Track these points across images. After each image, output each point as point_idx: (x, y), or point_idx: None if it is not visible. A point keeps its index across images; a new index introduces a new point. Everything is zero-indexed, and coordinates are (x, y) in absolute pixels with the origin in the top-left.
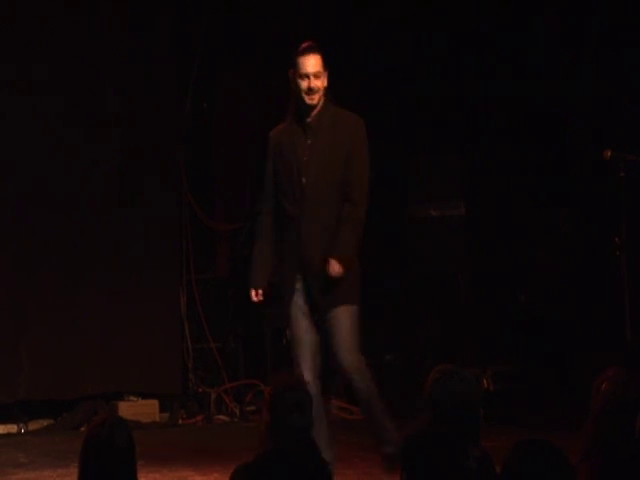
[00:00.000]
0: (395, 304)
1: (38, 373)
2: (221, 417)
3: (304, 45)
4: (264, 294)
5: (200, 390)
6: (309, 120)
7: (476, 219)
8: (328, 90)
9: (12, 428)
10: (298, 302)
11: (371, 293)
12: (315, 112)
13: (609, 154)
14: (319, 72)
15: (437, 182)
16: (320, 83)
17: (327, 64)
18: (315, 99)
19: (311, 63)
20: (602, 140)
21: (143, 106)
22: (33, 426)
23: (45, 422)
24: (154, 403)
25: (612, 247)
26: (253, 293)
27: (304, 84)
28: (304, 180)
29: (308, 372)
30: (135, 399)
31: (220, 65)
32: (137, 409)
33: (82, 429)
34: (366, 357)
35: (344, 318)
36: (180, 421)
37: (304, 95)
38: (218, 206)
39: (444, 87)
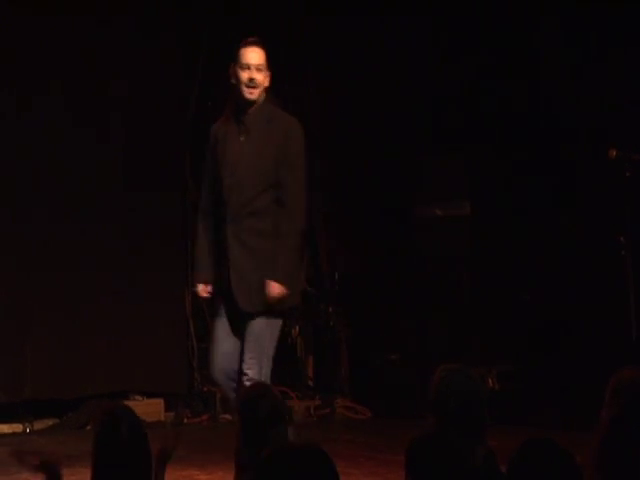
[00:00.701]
0: (400, 303)
1: (43, 372)
2: (226, 416)
3: (249, 39)
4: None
5: (205, 389)
6: (244, 117)
7: (481, 219)
8: (270, 91)
9: (17, 427)
10: (226, 303)
11: (375, 293)
12: (252, 109)
13: (614, 154)
14: (261, 65)
15: (442, 182)
16: (262, 77)
17: (271, 64)
18: (255, 94)
19: (254, 55)
20: (607, 139)
21: (147, 106)
22: (38, 425)
23: (50, 421)
24: (159, 402)
25: (617, 246)
26: (201, 288)
27: (245, 75)
28: (232, 180)
29: (220, 373)
30: (140, 398)
31: (225, 65)
32: (142, 408)
33: (88, 428)
34: (371, 357)
35: (258, 328)
36: (185, 420)
37: (244, 88)
38: None
39: (447, 87)
